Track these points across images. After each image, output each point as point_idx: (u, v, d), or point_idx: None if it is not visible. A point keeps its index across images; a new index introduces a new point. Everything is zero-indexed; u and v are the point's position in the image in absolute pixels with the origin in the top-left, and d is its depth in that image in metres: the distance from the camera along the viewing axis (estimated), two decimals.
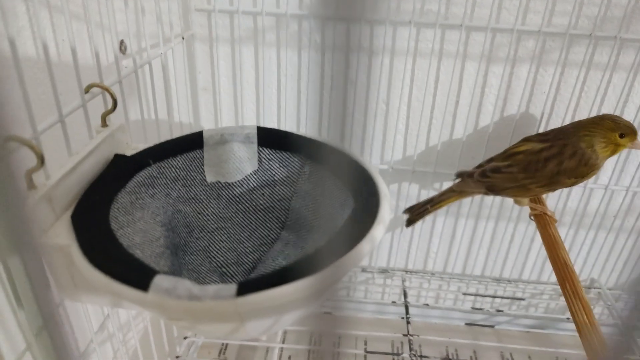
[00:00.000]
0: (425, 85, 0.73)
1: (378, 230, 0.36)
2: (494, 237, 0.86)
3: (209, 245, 0.49)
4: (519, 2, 0.66)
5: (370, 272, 0.90)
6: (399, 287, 0.90)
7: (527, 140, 0.66)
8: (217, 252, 0.49)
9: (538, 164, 0.63)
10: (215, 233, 0.49)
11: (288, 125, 0.77)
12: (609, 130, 0.60)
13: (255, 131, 0.50)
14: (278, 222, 0.51)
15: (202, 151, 0.49)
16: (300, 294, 0.31)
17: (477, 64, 0.71)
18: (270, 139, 0.50)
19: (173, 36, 0.63)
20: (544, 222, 0.68)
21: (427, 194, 0.82)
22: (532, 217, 0.71)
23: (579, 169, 0.62)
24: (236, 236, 0.50)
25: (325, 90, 0.74)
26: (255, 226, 0.51)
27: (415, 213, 0.71)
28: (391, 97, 0.74)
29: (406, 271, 0.90)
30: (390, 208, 0.40)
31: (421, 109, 0.74)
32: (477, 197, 0.81)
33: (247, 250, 0.50)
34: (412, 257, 0.89)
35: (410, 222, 0.72)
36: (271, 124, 0.77)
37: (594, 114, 0.73)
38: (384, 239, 0.88)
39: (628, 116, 0.73)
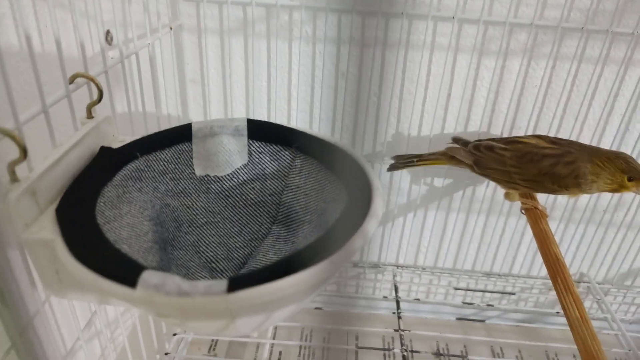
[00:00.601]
0: (417, 77, 0.72)
1: (371, 225, 0.36)
2: (484, 231, 0.85)
3: (198, 240, 0.48)
4: None
5: (361, 267, 0.90)
6: (390, 282, 0.90)
7: (537, 136, 0.66)
8: (206, 247, 0.48)
9: (535, 156, 0.63)
10: (205, 227, 0.48)
11: (278, 118, 0.76)
12: (619, 171, 0.60)
13: (245, 123, 0.49)
14: (269, 216, 0.50)
15: (191, 144, 0.48)
16: (292, 289, 0.30)
17: (469, 57, 0.70)
18: (261, 132, 0.49)
19: (160, 26, 0.62)
20: (535, 217, 0.68)
21: (418, 189, 0.82)
22: (523, 211, 0.71)
23: (566, 179, 0.62)
24: (226, 231, 0.49)
25: (316, 82, 0.73)
26: (245, 221, 0.50)
27: (401, 161, 0.72)
28: (383, 90, 0.73)
29: (397, 266, 0.90)
30: (383, 202, 0.39)
31: (413, 101, 0.74)
32: (469, 191, 0.81)
33: (238, 245, 0.49)
34: (403, 251, 0.89)
35: (392, 168, 0.72)
36: (261, 116, 0.76)
37: (585, 107, 0.73)
38: (375, 234, 0.87)
39: (618, 110, 0.73)
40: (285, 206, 0.49)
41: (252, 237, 0.49)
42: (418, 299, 0.93)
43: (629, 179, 0.60)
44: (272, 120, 0.53)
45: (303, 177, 0.48)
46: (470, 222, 0.85)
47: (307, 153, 0.48)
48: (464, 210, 0.83)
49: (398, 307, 0.81)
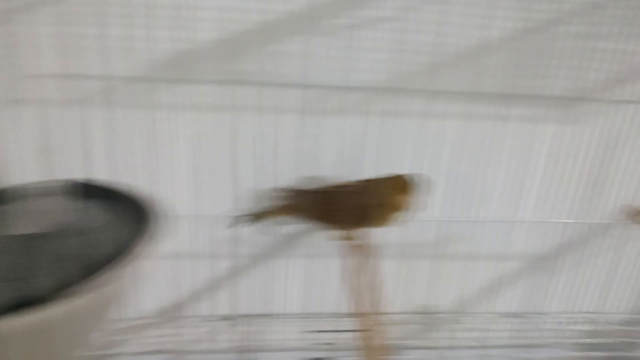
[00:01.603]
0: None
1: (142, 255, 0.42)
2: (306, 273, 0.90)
3: None
4: None
5: (211, 321, 0.90)
6: (241, 333, 0.91)
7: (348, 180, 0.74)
8: None
9: (340, 195, 0.71)
10: None
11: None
12: (390, 186, 0.69)
13: (61, 184, 0.53)
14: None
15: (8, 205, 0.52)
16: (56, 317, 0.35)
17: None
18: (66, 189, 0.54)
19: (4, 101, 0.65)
20: (357, 253, 0.73)
21: (264, 239, 0.86)
22: (347, 247, 0.75)
23: (372, 210, 0.69)
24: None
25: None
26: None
27: (241, 220, 0.77)
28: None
29: (246, 316, 0.91)
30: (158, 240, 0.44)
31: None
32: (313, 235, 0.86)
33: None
34: (254, 300, 0.91)
35: (232, 225, 0.78)
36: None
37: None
38: (224, 284, 0.89)
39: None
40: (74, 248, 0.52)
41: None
42: (272, 348, 0.94)
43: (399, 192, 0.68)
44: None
45: (84, 220, 0.52)
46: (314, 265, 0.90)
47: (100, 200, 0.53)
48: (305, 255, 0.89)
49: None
